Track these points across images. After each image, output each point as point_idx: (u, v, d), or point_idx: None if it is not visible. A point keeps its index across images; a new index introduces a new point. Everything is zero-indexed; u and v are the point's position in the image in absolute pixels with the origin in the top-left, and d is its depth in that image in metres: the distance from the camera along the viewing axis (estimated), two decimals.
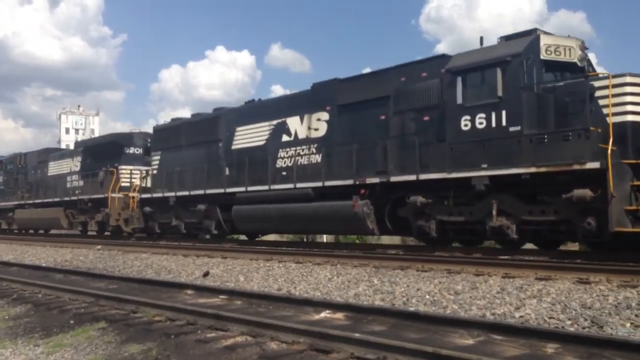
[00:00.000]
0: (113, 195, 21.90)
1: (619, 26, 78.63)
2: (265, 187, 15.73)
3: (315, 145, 14.87)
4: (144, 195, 20.57)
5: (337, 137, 14.41)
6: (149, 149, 22.31)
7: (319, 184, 14.34)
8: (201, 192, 17.93)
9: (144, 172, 21.50)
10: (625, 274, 7.86)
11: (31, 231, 30.15)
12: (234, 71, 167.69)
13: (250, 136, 16.96)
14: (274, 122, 16.17)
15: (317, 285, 9.18)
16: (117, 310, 7.48)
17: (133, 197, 21.36)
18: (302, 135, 15.34)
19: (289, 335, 5.54)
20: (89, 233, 25.21)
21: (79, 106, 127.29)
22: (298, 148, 15.36)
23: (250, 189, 16.17)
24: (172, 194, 19.03)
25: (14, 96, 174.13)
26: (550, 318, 6.16)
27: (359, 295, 8.22)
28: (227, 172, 17.37)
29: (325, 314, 6.86)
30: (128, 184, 22.38)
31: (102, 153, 24.05)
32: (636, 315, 5.85)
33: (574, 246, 13.69)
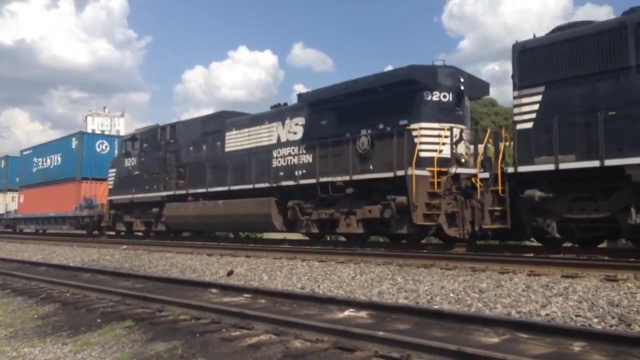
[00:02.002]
0: (418, 172, 13.07)
1: None
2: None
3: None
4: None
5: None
6: (462, 94, 14.29)
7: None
8: None
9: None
10: None
11: (186, 233, 23.60)
12: (257, 71, 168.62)
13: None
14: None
15: (340, 283, 9.18)
16: (143, 309, 7.57)
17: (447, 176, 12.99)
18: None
19: (312, 333, 5.56)
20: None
21: (104, 108, 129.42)
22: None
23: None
24: None
25: (41, 99, 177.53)
26: (577, 316, 6.08)
27: (383, 293, 8.20)
28: None
29: (349, 313, 6.86)
30: (432, 154, 13.27)
31: (366, 106, 14.80)
32: None
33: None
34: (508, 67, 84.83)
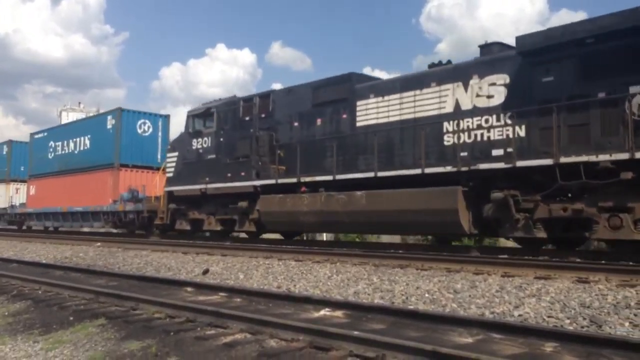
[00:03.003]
0: None
1: None
2: None
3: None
4: None
5: None
6: None
7: None
8: None
9: None
10: (624, 273, 7.89)
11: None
12: (235, 69, 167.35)
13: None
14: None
15: (316, 283, 9.19)
16: (116, 307, 7.48)
17: None
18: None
19: (288, 332, 5.55)
20: None
21: (79, 103, 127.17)
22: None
23: None
24: None
25: (15, 93, 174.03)
26: (549, 317, 6.17)
27: (359, 293, 8.23)
28: None
29: (324, 312, 6.86)
30: None
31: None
32: (635, 315, 5.86)
33: None
34: None
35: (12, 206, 31.44)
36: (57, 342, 5.97)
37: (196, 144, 18.88)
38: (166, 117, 25.56)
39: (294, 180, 15.32)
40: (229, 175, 17.31)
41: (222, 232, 18.53)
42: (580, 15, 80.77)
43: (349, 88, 14.88)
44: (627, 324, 5.68)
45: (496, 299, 7.13)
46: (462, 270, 9.06)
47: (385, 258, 10.97)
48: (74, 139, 26.65)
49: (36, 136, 30.69)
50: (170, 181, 19.76)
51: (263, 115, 16.98)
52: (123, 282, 10.06)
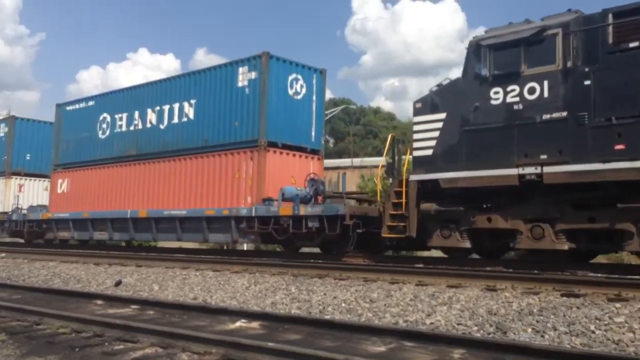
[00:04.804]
0: None
1: None
2: None
3: None
4: None
5: None
6: None
7: None
8: None
9: None
10: (529, 281, 8.27)
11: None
12: (158, 74, 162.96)
13: None
14: None
15: (234, 293, 9.06)
16: (18, 322, 7.05)
17: None
18: None
19: (201, 345, 5.42)
20: None
21: None
22: None
23: None
24: None
25: None
26: (458, 324, 6.37)
27: (276, 303, 8.19)
28: None
29: (240, 323, 6.77)
30: None
31: None
32: (537, 321, 6.15)
33: None
34: (406, 82, 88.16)
35: (18, 209, 21.68)
36: None
37: (503, 95, 10.55)
38: (322, 73, 16.54)
39: None
40: (619, 147, 9.34)
41: (575, 256, 10.77)
42: None
43: None
44: (529, 329, 5.95)
45: (410, 307, 7.29)
46: (378, 280, 9.20)
47: (304, 268, 10.98)
48: (158, 107, 17.59)
49: (70, 107, 20.95)
50: (424, 164, 11.44)
51: None
52: (28, 296, 9.51)
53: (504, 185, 10.37)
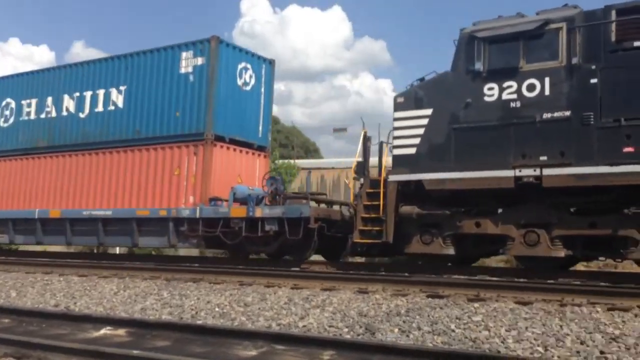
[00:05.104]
0: None
1: (416, 56, 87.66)
2: None
3: None
4: None
5: None
6: None
7: None
8: None
9: None
10: (399, 283, 8.63)
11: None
12: (30, 66, 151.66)
13: None
14: None
15: (100, 300, 8.59)
16: None
17: None
18: None
19: (60, 355, 5.06)
20: None
21: None
22: None
23: None
24: None
25: None
26: (330, 326, 6.48)
27: (146, 309, 7.87)
28: None
29: (105, 331, 6.41)
30: None
31: None
32: (404, 322, 6.41)
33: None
34: (292, 87, 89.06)
35: None
36: None
37: (498, 92, 9.93)
38: (271, 63, 15.50)
39: None
40: (628, 150, 8.92)
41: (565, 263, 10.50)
42: (380, 44, 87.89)
43: None
44: (396, 330, 6.19)
45: (284, 310, 7.31)
46: (254, 283, 9.16)
47: (178, 272, 10.68)
48: (77, 93, 15.62)
49: None
50: (407, 163, 10.66)
51: None
52: None
53: (497, 187, 9.72)
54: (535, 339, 5.51)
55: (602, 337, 5.46)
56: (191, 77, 13.77)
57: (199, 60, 13.72)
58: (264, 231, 12.19)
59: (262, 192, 12.84)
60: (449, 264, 11.06)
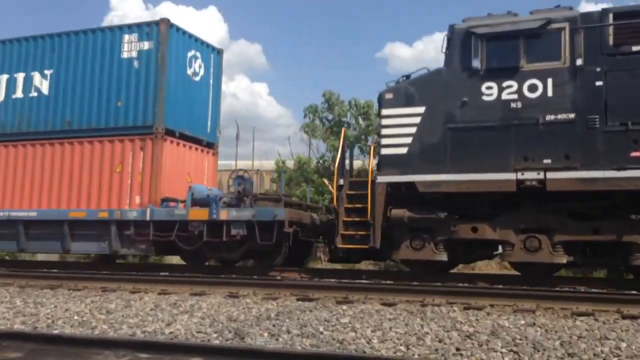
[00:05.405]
0: None
1: (292, 61, 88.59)
2: None
3: None
4: None
5: None
6: None
7: None
8: None
9: None
10: (270, 287, 8.64)
11: None
12: None
13: None
14: None
15: None
16: None
17: None
18: None
19: None
20: None
21: None
22: None
23: None
24: None
25: None
26: (198, 332, 6.32)
27: None
28: None
29: None
30: None
31: None
32: (273, 325, 6.41)
33: None
34: None
35: None
36: None
37: (497, 91, 9.54)
38: (219, 53, 14.58)
39: None
40: (635, 154, 8.83)
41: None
42: (256, 47, 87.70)
43: None
44: (266, 334, 6.17)
45: (150, 317, 7.03)
46: (118, 289, 8.73)
47: (34, 278, 9.91)
48: (27, 72, 13.50)
49: None
50: (397, 164, 10.04)
51: None
52: None
53: (497, 191, 9.33)
54: (398, 339, 5.75)
55: (458, 334, 5.82)
56: (136, 63, 12.51)
57: (146, 45, 12.49)
58: (229, 236, 11.25)
59: (220, 193, 12.03)
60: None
